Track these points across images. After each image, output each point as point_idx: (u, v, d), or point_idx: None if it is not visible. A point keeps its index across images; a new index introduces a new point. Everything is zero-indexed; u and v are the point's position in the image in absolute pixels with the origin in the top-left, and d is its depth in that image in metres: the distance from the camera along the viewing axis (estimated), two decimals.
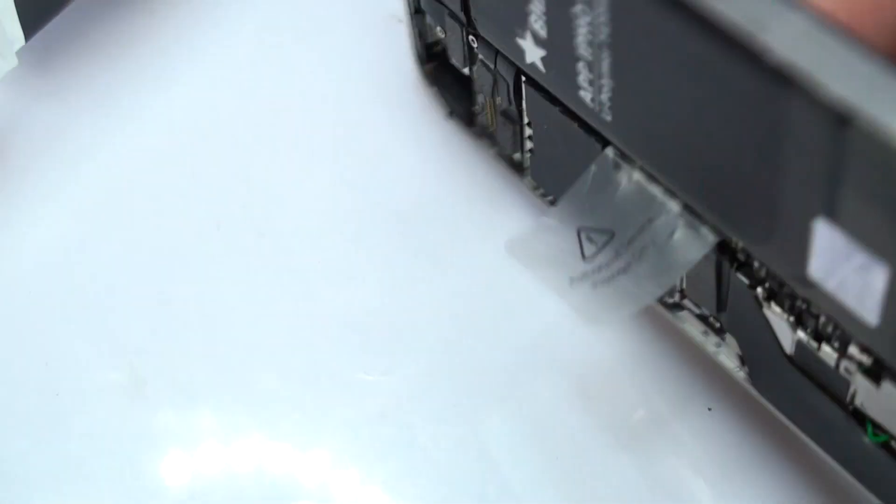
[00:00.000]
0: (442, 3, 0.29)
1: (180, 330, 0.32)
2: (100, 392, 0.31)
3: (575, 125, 0.27)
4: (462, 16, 0.29)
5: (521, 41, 0.26)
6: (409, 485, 0.30)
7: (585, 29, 0.23)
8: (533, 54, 0.26)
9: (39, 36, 0.33)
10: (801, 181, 0.20)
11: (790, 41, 0.19)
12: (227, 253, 0.32)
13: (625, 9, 0.22)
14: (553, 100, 0.27)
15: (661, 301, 0.29)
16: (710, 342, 0.28)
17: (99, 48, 0.35)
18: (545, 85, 0.27)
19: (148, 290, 0.32)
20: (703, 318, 0.28)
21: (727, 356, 0.28)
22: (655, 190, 0.26)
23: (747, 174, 0.22)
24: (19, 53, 0.32)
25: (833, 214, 0.20)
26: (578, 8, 0.23)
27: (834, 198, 0.20)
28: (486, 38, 0.28)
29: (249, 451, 0.30)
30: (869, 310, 0.21)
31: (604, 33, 0.23)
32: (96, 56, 0.35)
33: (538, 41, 0.26)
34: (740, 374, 0.28)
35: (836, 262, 0.21)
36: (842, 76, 0.19)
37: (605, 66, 0.24)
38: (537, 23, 0.25)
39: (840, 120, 0.19)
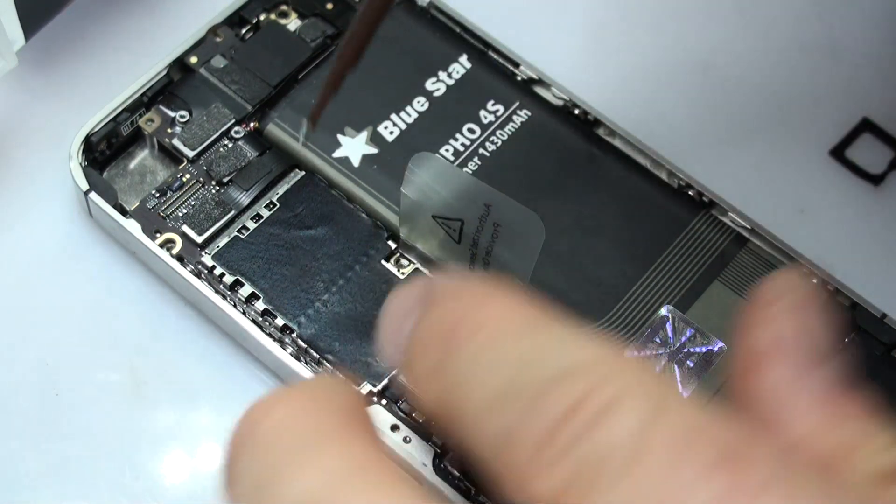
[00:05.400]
0: None
1: (180, 330, 0.32)
2: (100, 392, 0.31)
3: None
4: None
5: None
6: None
7: None
8: None
9: (39, 36, 0.33)
10: None
11: None
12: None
13: None
14: None
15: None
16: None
17: (99, 48, 0.35)
18: None
19: (148, 289, 0.32)
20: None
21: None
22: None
23: None
24: (19, 53, 0.32)
25: None
26: None
27: None
28: None
29: None
30: None
31: None
32: (96, 56, 0.35)
33: None
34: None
35: None
36: None
37: None
38: None
39: None
